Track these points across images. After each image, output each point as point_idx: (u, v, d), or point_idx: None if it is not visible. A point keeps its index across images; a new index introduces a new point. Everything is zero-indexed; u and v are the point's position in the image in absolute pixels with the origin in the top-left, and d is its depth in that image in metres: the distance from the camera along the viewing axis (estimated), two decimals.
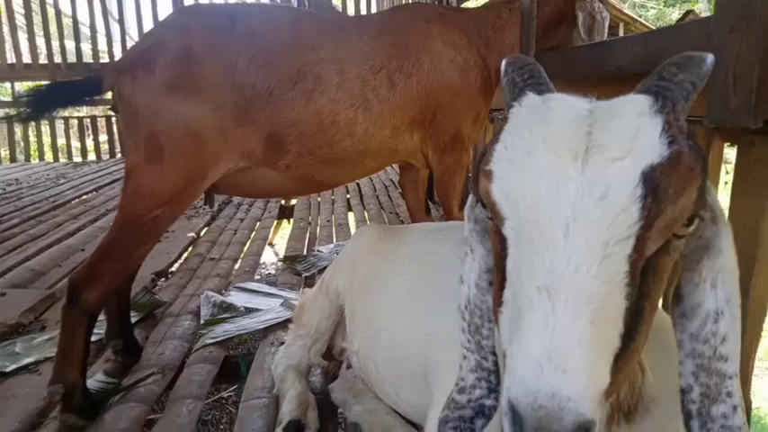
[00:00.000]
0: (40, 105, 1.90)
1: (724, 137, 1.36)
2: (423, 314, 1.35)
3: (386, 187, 5.68)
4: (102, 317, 2.47)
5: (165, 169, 1.83)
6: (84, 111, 10.16)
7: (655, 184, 0.60)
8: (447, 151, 2.40)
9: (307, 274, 3.20)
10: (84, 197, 5.64)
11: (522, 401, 0.54)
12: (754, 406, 1.40)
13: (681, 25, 1.72)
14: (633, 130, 0.62)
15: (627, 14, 10.98)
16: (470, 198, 0.84)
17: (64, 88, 1.97)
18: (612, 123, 0.63)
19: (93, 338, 2.35)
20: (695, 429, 0.71)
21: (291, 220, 4.84)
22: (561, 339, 0.55)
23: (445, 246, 1.50)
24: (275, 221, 5.41)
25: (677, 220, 0.62)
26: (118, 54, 8.41)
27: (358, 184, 5.84)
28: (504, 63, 0.78)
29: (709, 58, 0.67)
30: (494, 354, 0.82)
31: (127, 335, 2.20)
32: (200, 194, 2.03)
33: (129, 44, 8.29)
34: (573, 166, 0.62)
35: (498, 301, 0.68)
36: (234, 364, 2.27)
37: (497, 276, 0.71)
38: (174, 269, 3.49)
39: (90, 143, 9.06)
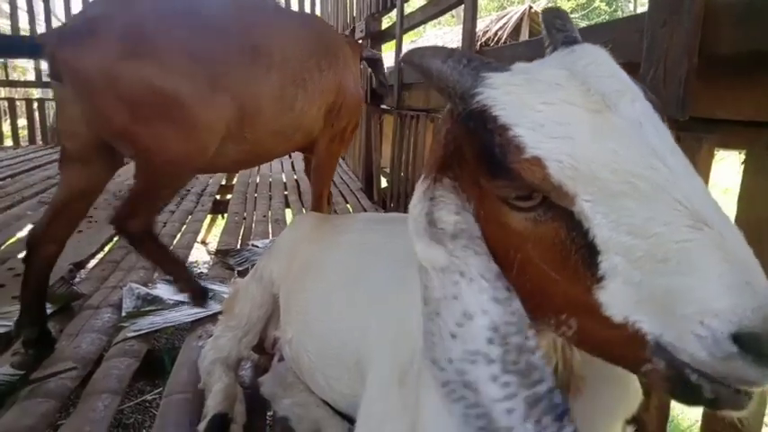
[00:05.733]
0: None
1: None
2: (358, 303, 1.32)
3: None
4: (10, 307, 2.28)
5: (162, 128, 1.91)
6: (1, 92, 9.44)
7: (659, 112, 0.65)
8: (336, 141, 2.70)
9: (240, 269, 3.09)
10: None
11: (755, 320, 0.51)
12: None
13: (615, 21, 1.79)
14: (617, 71, 0.66)
15: None
16: (423, 215, 0.73)
17: (4, 39, 1.93)
18: (599, 73, 0.65)
19: (0, 330, 2.17)
20: None
21: (225, 215, 4.68)
22: (744, 256, 0.55)
23: (383, 235, 1.48)
24: (209, 217, 5.22)
25: None
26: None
27: (297, 180, 5.74)
28: (443, 57, 0.71)
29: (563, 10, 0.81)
30: (547, 366, 0.66)
31: (42, 324, 2.04)
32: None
33: (55, 23, 7.80)
34: (615, 117, 0.62)
35: (590, 281, 0.60)
36: (157, 359, 2.16)
37: (569, 261, 0.62)
38: (95, 260, 3.28)
39: (7, 127, 8.40)
